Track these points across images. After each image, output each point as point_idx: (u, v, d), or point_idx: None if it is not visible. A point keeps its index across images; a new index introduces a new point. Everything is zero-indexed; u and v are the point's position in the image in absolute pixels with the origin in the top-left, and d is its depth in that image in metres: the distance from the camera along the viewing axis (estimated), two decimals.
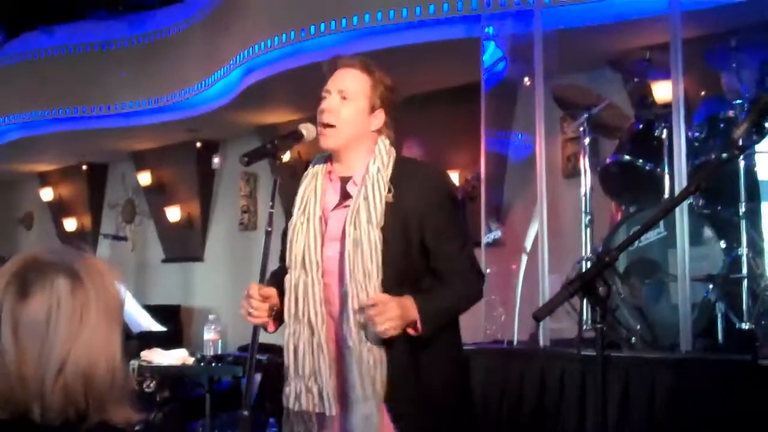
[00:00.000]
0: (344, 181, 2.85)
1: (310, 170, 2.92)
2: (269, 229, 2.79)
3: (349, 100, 2.83)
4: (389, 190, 2.76)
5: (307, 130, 2.85)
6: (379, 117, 2.87)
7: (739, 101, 4.97)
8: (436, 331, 2.75)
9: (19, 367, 1.56)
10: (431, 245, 2.79)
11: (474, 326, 5.94)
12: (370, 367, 2.70)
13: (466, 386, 3.07)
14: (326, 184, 2.88)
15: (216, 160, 11.10)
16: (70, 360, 1.57)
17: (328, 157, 2.92)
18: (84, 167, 12.81)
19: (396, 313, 2.63)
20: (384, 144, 2.87)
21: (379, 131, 2.88)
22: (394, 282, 2.73)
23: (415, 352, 2.76)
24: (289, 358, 2.81)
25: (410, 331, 2.70)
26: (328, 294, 2.81)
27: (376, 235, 2.72)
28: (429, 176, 2.87)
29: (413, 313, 2.68)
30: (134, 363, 5.37)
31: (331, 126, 2.82)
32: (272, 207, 2.81)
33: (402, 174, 2.81)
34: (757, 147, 4.62)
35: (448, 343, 2.89)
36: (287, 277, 2.85)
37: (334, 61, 2.92)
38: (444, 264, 2.81)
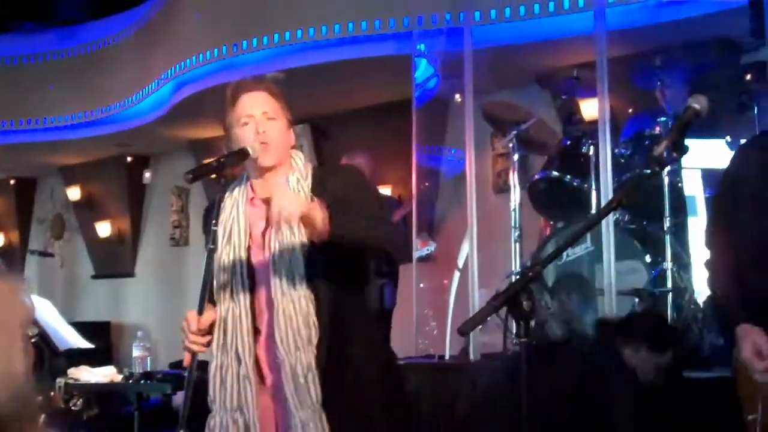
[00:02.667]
0: (268, 203, 2.84)
1: (228, 197, 2.91)
2: (212, 246, 2.78)
3: (275, 119, 2.87)
4: (311, 199, 2.75)
5: (253, 148, 2.85)
6: (292, 132, 2.95)
7: (663, 118, 5.09)
8: (341, 241, 2.68)
9: None
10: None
11: (406, 340, 5.97)
12: (300, 376, 2.70)
13: (401, 395, 3.03)
14: (250, 211, 2.88)
15: (147, 174, 10.99)
16: None
17: (244, 182, 2.93)
18: (12, 182, 12.58)
19: (301, 200, 2.68)
20: (299, 157, 2.93)
21: (293, 147, 2.95)
22: (326, 287, 2.75)
23: (346, 363, 2.76)
24: (214, 391, 2.79)
25: (315, 237, 2.68)
26: (259, 307, 2.81)
27: (298, 242, 2.74)
28: (348, 170, 2.94)
29: (321, 211, 2.66)
30: (61, 381, 5.29)
31: (268, 144, 2.84)
32: (215, 224, 2.82)
33: (323, 179, 2.85)
34: (683, 163, 4.74)
35: (379, 350, 2.90)
36: (216, 308, 2.84)
37: (234, 87, 2.95)
38: None
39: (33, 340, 1.77)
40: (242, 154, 2.80)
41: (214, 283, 2.84)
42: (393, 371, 2.97)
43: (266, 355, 2.80)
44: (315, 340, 2.72)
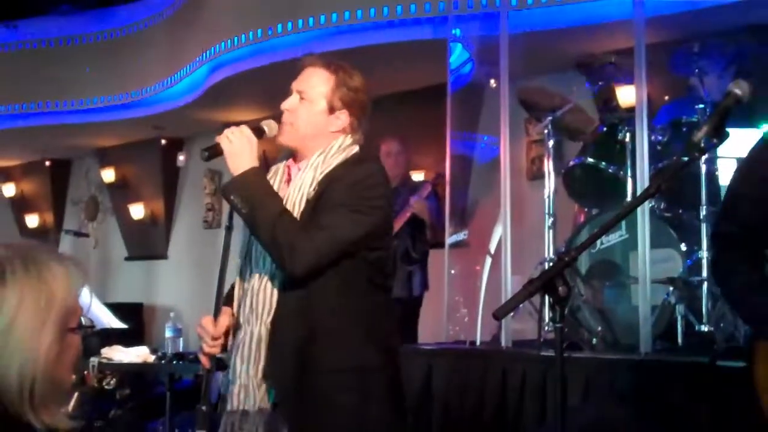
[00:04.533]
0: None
1: (272, 169, 2.92)
2: (228, 224, 2.79)
3: (307, 101, 2.83)
4: (318, 186, 2.73)
5: (269, 126, 2.84)
6: (342, 118, 2.83)
7: (701, 105, 5.03)
8: (231, 205, 2.71)
9: None
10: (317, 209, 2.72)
11: (437, 327, 5.96)
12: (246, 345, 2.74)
13: (374, 406, 2.77)
14: (283, 181, 2.88)
15: (181, 157, 11.03)
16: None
17: (291, 155, 2.92)
18: (47, 163, 12.68)
19: (238, 146, 2.71)
20: (340, 142, 2.84)
21: (344, 131, 2.85)
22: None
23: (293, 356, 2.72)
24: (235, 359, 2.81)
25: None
26: None
27: None
28: (355, 173, 2.77)
29: (242, 164, 2.70)
30: (94, 360, 5.33)
31: (290, 124, 2.83)
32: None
33: (344, 173, 2.76)
34: (719, 152, 4.68)
35: (345, 355, 2.74)
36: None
37: (302, 60, 2.92)
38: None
39: (79, 333, 1.75)
40: (258, 132, 2.80)
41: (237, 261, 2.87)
42: (369, 379, 2.76)
43: None
44: (268, 317, 2.72)
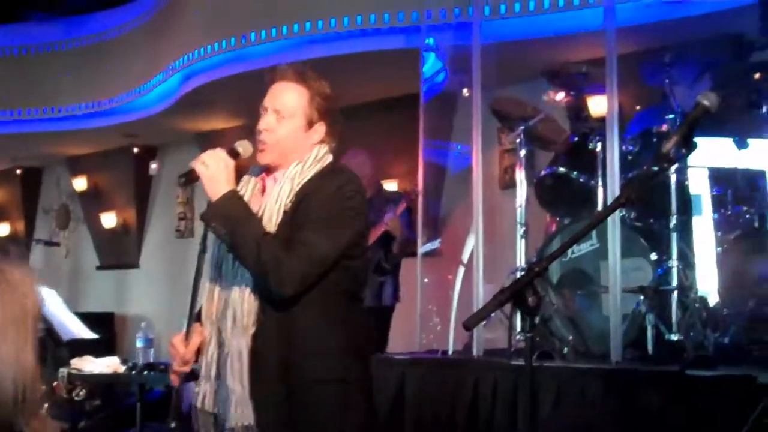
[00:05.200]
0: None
1: (243, 180, 2.91)
2: (202, 247, 2.78)
3: (286, 119, 2.80)
4: (296, 197, 2.73)
5: (244, 147, 2.81)
6: (319, 130, 2.83)
7: (671, 116, 5.07)
8: (212, 230, 2.69)
9: None
10: (299, 226, 2.70)
11: (409, 336, 5.96)
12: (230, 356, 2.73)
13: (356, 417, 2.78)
14: (256, 192, 2.87)
15: (153, 165, 10.99)
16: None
17: (263, 168, 2.91)
18: (18, 171, 12.60)
19: (214, 170, 2.67)
20: (316, 152, 2.83)
21: (321, 141, 2.85)
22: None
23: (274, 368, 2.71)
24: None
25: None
26: None
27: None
28: (331, 184, 2.76)
29: (219, 188, 2.67)
30: (64, 371, 5.29)
31: (268, 144, 2.81)
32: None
33: (321, 184, 2.76)
34: (689, 161, 4.72)
35: (325, 367, 2.74)
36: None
37: (272, 72, 2.88)
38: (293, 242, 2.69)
39: (39, 335, 1.77)
40: (233, 153, 2.77)
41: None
42: (349, 389, 2.77)
43: None
44: (251, 330, 2.71)
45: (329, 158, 2.85)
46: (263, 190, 2.85)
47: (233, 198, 2.69)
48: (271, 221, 2.71)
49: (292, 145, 2.81)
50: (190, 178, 2.74)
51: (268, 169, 2.88)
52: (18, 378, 1.58)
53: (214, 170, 2.69)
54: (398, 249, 6.30)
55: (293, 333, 2.70)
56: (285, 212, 2.72)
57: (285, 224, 2.70)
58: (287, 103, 2.80)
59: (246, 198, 2.80)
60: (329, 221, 2.69)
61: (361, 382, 2.81)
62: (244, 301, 2.73)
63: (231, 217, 2.67)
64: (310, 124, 2.81)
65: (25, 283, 1.65)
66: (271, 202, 2.75)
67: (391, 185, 7.99)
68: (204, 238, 2.79)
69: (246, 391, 2.69)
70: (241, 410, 2.70)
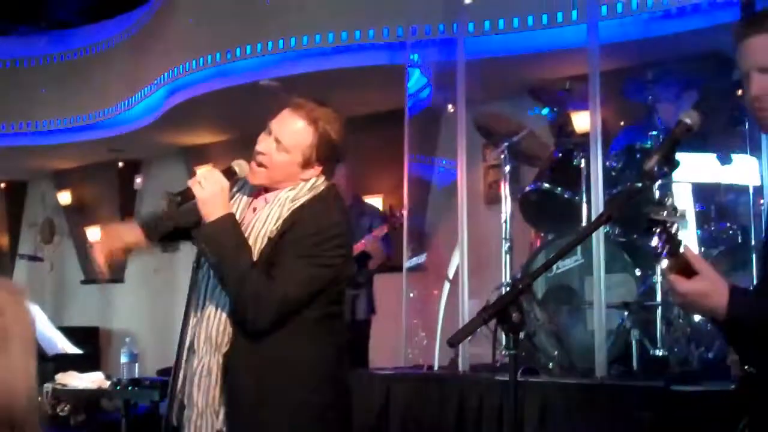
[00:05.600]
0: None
1: (237, 185, 2.91)
2: (195, 263, 2.79)
3: (283, 151, 2.79)
4: (283, 224, 2.73)
5: (240, 167, 2.82)
6: (314, 171, 2.82)
7: (654, 132, 5.10)
8: (204, 250, 2.73)
9: None
10: (281, 253, 2.71)
11: (395, 350, 5.96)
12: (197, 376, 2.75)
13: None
14: (248, 208, 2.88)
15: (138, 180, 10.97)
16: None
17: (248, 191, 2.93)
18: (2, 185, 12.56)
19: (210, 192, 2.68)
20: (312, 183, 2.83)
21: (315, 176, 2.85)
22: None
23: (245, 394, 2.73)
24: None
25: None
26: None
27: None
28: (317, 221, 2.75)
29: (214, 211, 2.69)
30: (48, 386, 5.26)
31: (263, 166, 2.81)
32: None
33: (309, 214, 2.75)
34: (674, 177, 4.75)
35: (302, 393, 2.75)
36: None
37: (290, 101, 2.85)
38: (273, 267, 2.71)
39: None
40: (229, 172, 2.78)
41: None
42: (325, 413, 2.79)
43: None
44: (224, 348, 2.73)
45: (322, 187, 2.84)
46: (254, 209, 2.86)
47: (227, 223, 2.70)
48: (255, 245, 2.72)
49: (283, 176, 2.81)
50: (185, 198, 2.74)
51: (259, 190, 2.89)
52: (29, 398, 1.60)
53: (210, 192, 2.69)
54: (374, 266, 6.29)
55: (267, 355, 2.71)
56: (269, 239, 2.72)
57: (267, 251, 2.71)
58: (290, 138, 2.78)
59: (238, 213, 2.81)
60: (309, 259, 2.69)
61: (337, 403, 2.82)
62: (216, 320, 2.74)
63: (221, 245, 2.68)
64: (307, 164, 2.80)
65: (20, 304, 1.68)
66: (258, 227, 2.75)
67: (376, 200, 8.00)
68: (199, 254, 2.80)
69: (209, 405, 2.70)
70: (201, 422, 2.71)
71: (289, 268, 2.68)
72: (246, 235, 2.74)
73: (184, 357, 2.80)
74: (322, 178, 2.85)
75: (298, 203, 2.77)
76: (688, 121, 2.46)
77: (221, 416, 2.72)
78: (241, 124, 8.78)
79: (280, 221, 2.74)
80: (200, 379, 2.73)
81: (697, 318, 4.80)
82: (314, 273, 2.71)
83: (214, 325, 2.74)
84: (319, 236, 2.72)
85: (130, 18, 9.47)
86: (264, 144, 2.81)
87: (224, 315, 2.74)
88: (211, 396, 2.71)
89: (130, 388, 5.16)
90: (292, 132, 2.78)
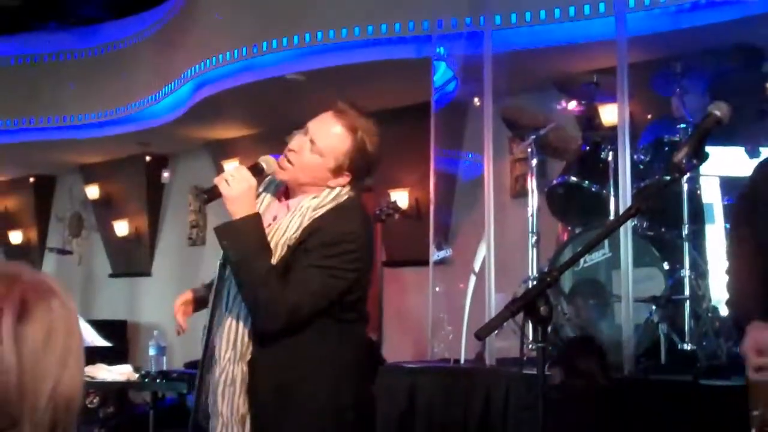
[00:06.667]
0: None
1: (264, 183, 2.92)
2: (222, 260, 2.80)
3: (316, 153, 2.77)
4: (303, 232, 2.72)
5: (267, 163, 2.81)
6: (344, 178, 2.81)
7: (683, 125, 5.06)
8: (226, 255, 2.74)
9: (20, 378, 1.56)
10: (300, 258, 2.71)
11: (421, 345, 5.96)
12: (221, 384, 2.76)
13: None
14: (272, 209, 2.88)
15: (165, 174, 11.01)
16: (61, 381, 1.58)
17: (273, 189, 2.93)
18: (31, 179, 12.64)
19: (237, 190, 2.68)
20: (337, 192, 2.81)
21: (341, 185, 2.83)
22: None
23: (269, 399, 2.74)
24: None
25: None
26: None
27: None
28: (336, 230, 2.74)
29: (240, 209, 2.69)
30: None
31: (291, 164, 2.81)
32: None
33: (331, 223, 2.74)
34: (701, 170, 4.72)
35: (324, 392, 2.77)
36: None
37: (334, 105, 2.83)
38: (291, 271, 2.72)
39: None
40: (256, 169, 2.78)
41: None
42: (345, 417, 2.80)
43: None
44: (248, 357, 2.73)
45: (346, 197, 2.83)
46: (275, 217, 2.85)
47: (251, 224, 2.69)
48: (276, 253, 2.71)
49: (309, 178, 2.80)
50: (212, 196, 2.74)
51: (287, 190, 2.89)
52: (79, 401, 1.62)
53: (237, 190, 2.69)
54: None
55: (289, 363, 2.72)
56: (289, 246, 2.72)
57: (286, 259, 2.71)
58: (326, 141, 2.77)
59: (262, 210, 2.81)
60: (325, 269, 2.69)
61: (359, 405, 2.83)
62: (239, 328, 2.75)
63: (244, 245, 2.68)
64: (338, 171, 2.79)
65: (72, 311, 1.70)
66: (279, 234, 2.74)
67: (401, 194, 8.00)
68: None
69: (234, 414, 2.70)
70: None
71: (303, 277, 2.68)
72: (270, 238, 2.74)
73: (207, 365, 2.81)
74: (347, 188, 2.83)
75: (319, 212, 2.76)
76: (717, 113, 2.45)
77: (247, 426, 2.72)
78: (268, 119, 8.80)
79: (300, 230, 2.73)
80: (224, 388, 2.73)
81: (725, 312, 4.77)
82: (329, 283, 2.70)
83: (236, 333, 2.75)
84: (335, 247, 2.70)
85: (157, 13, 9.50)
86: (297, 141, 2.80)
87: (247, 323, 2.75)
88: (236, 406, 2.72)
89: (158, 380, 5.20)
90: (329, 135, 2.77)
